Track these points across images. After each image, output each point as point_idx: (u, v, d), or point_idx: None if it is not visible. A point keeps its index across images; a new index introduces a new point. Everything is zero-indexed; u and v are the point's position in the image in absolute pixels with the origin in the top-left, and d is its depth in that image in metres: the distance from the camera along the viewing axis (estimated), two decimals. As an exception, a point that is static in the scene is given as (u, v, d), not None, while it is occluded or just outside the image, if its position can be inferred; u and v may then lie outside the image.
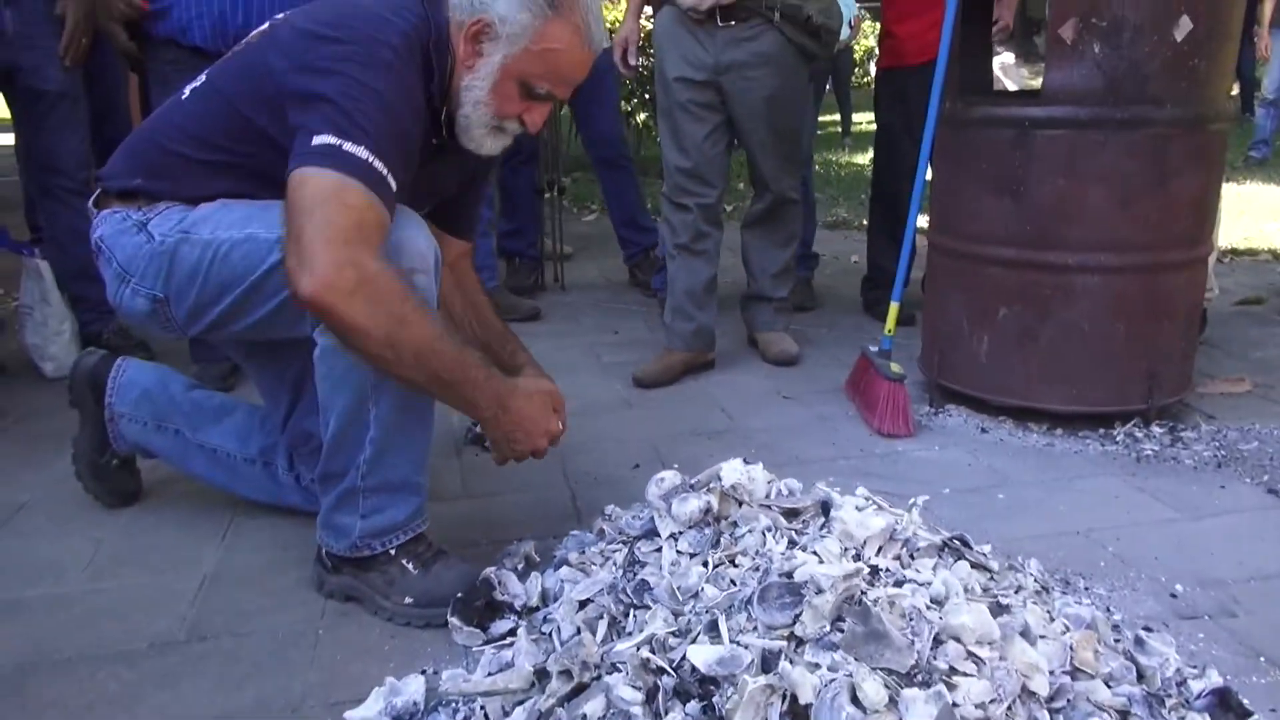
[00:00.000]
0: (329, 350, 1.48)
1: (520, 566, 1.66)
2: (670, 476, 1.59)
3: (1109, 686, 1.27)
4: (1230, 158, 7.78)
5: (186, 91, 1.62)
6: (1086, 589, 1.63)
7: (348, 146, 1.36)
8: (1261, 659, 1.44)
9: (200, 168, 1.57)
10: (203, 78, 1.62)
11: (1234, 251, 4.47)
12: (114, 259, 1.59)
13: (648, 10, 3.15)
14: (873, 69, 3.70)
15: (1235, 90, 10.94)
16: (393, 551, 1.60)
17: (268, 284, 1.50)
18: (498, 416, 1.51)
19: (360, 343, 1.37)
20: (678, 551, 1.48)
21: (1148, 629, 1.45)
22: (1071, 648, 1.28)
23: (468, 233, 1.92)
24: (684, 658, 1.22)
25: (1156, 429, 2.30)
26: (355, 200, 1.35)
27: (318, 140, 1.37)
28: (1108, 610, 1.54)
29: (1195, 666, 1.37)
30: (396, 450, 1.56)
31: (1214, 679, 1.32)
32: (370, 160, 1.37)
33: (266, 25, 1.60)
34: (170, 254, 1.54)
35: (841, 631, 1.18)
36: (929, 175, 2.54)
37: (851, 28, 3.94)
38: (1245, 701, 1.28)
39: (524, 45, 1.49)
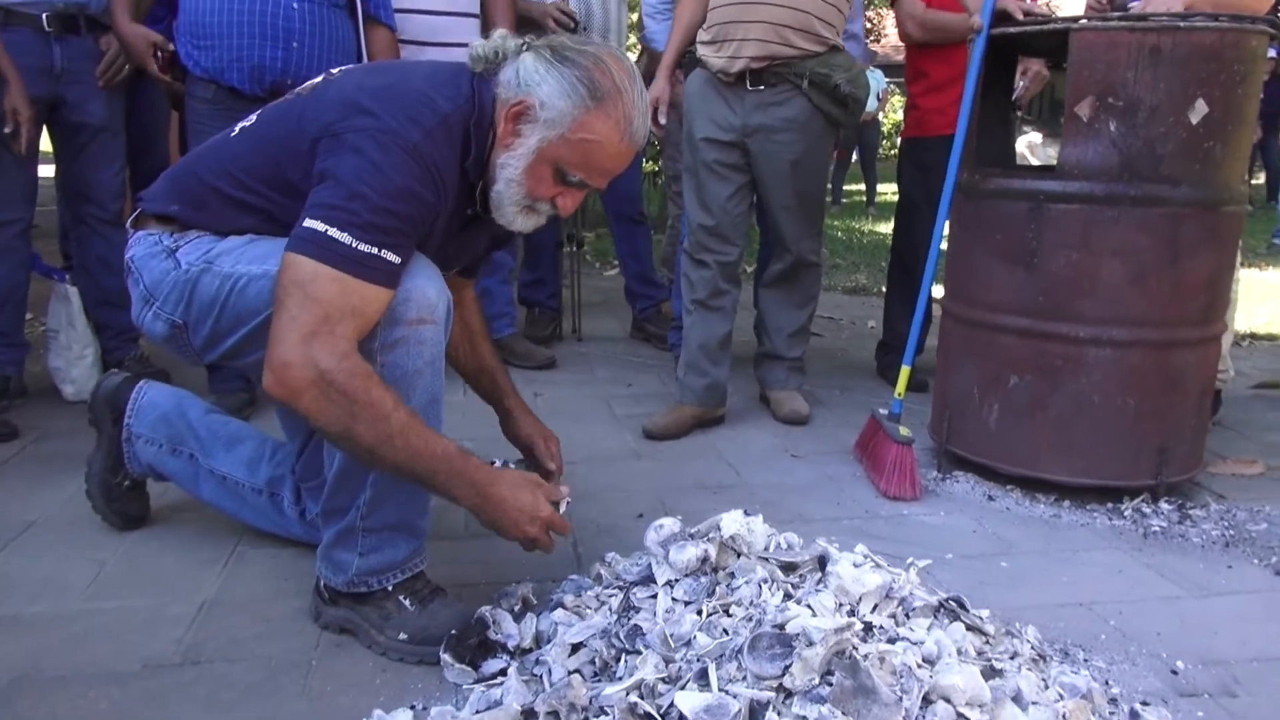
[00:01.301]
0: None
1: (517, 608, 1.66)
2: (669, 524, 1.60)
3: (1101, 758, 1.25)
4: (1254, 244, 7.77)
5: (237, 129, 1.66)
6: (1086, 660, 1.61)
7: (333, 232, 1.39)
8: (1261, 741, 1.42)
9: (232, 204, 1.61)
10: (254, 117, 1.65)
11: (1254, 336, 4.46)
12: (141, 280, 1.64)
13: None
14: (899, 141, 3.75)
15: (1261, 179, 11.02)
16: (391, 588, 1.61)
17: None
18: (480, 507, 1.51)
19: (320, 434, 1.43)
20: (673, 599, 1.48)
21: (1145, 703, 1.43)
22: (1065, 717, 1.27)
23: (476, 275, 1.99)
24: (671, 704, 1.21)
25: (1165, 505, 2.28)
26: (323, 292, 1.38)
27: (307, 224, 1.41)
28: (1106, 683, 1.52)
29: (1192, 744, 1.35)
30: (398, 493, 1.57)
31: (1210, 757, 1.30)
32: (354, 245, 1.39)
33: (321, 78, 1.63)
34: (193, 282, 1.58)
35: (830, 685, 1.18)
36: (944, 244, 2.57)
37: (880, 100, 4.01)
38: (1241, 782, 1.26)
39: (561, 132, 1.49)
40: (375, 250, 1.41)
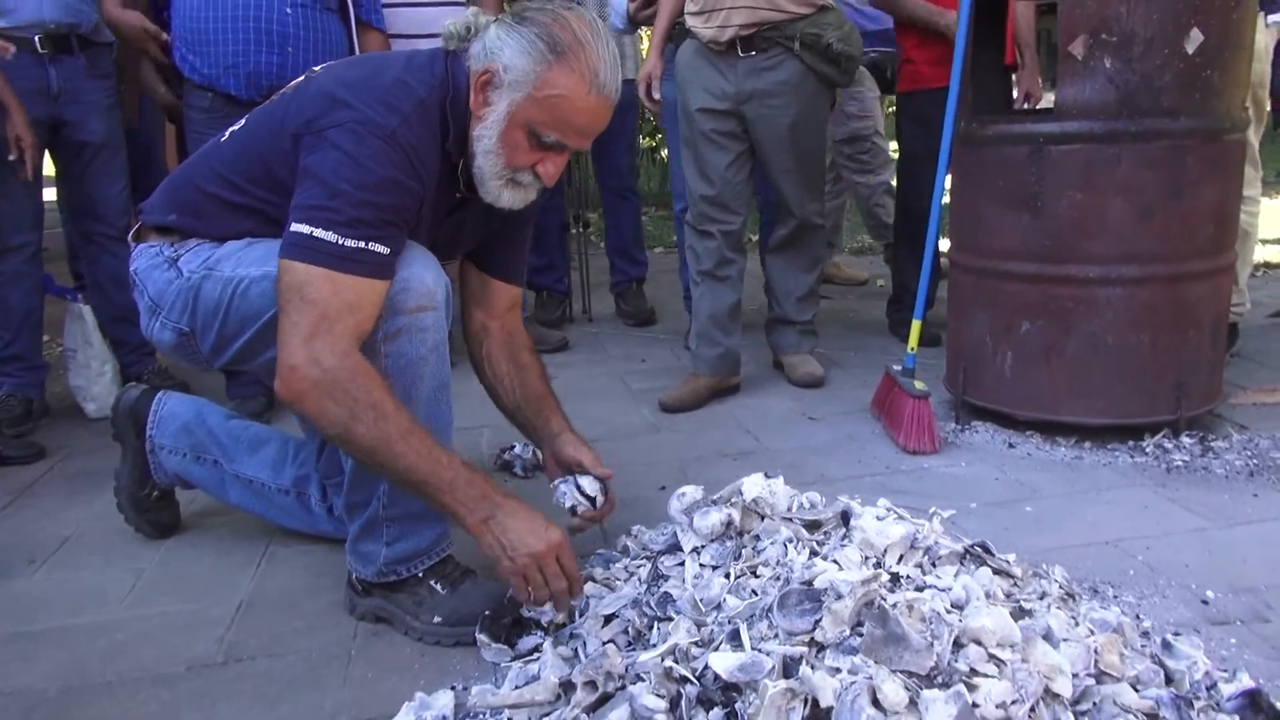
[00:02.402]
0: None
1: (547, 585, 1.67)
2: (691, 491, 1.61)
3: (1136, 689, 1.26)
4: (1265, 174, 7.68)
5: (226, 134, 1.68)
6: (1115, 597, 1.62)
7: (318, 233, 1.40)
8: (1295, 662, 1.43)
9: (228, 209, 1.62)
10: (242, 121, 1.68)
11: (1268, 265, 4.43)
12: (146, 292, 1.66)
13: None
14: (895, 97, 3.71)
15: (1269, 107, 10.85)
16: (420, 574, 1.63)
17: None
18: (481, 528, 1.44)
19: (324, 436, 1.43)
20: (700, 564, 1.49)
21: (1176, 634, 1.44)
22: (1096, 651, 1.27)
23: (516, 277, 1.88)
24: (706, 666, 1.23)
25: (1186, 439, 2.28)
26: (317, 293, 1.39)
27: (294, 228, 1.42)
28: (1136, 617, 1.53)
29: (1225, 670, 1.36)
30: None
31: (1245, 681, 1.30)
32: (340, 242, 1.40)
33: (304, 76, 1.65)
34: (195, 290, 1.60)
35: (861, 636, 1.19)
36: (947, 197, 2.56)
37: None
38: (1278, 704, 1.26)
39: (527, 92, 1.48)
40: (363, 244, 1.42)
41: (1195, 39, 2.12)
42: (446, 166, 1.58)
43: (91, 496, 2.27)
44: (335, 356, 1.39)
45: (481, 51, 1.52)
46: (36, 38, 2.64)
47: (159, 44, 2.69)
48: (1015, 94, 3.20)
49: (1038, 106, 3.17)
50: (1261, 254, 4.52)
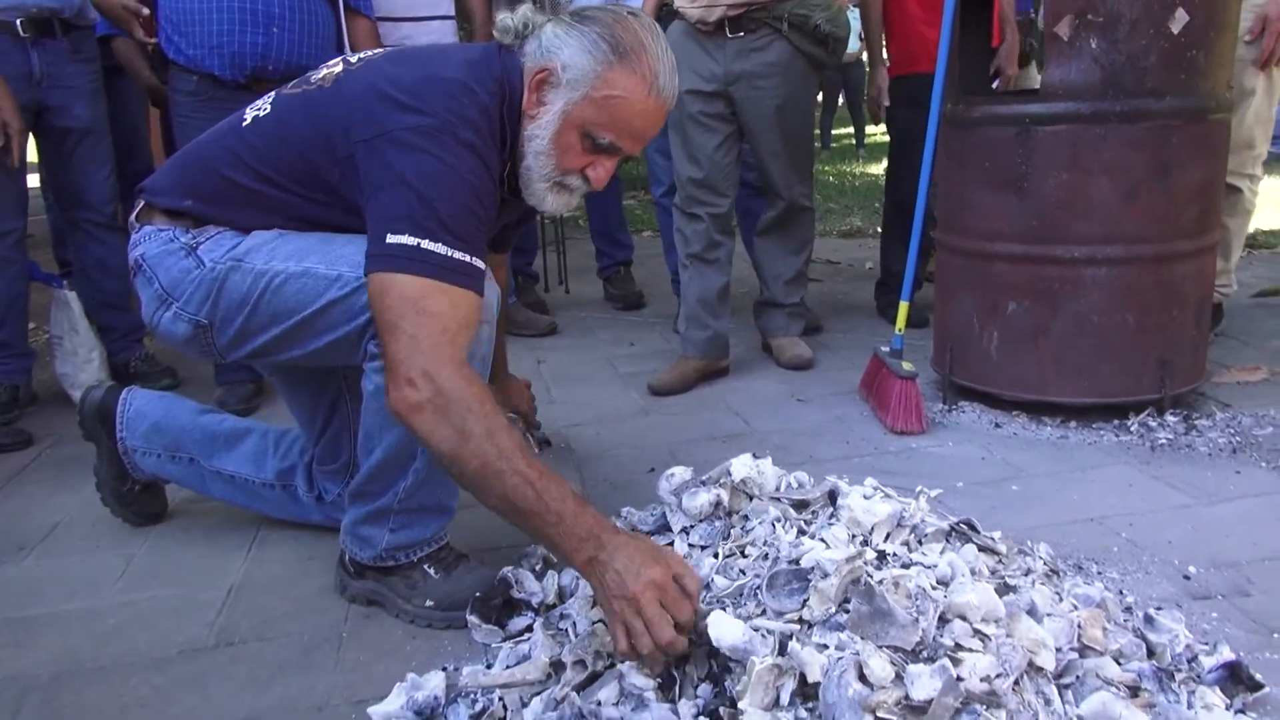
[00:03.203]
0: (384, 389, 1.40)
1: (538, 567, 1.68)
2: (680, 472, 1.62)
3: (1118, 663, 1.28)
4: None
5: (249, 118, 1.60)
6: (1099, 573, 1.64)
7: (426, 244, 1.35)
8: (1275, 635, 1.45)
9: (258, 199, 1.56)
10: (267, 107, 1.60)
11: (1253, 244, 4.45)
12: (156, 280, 1.60)
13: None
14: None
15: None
16: (416, 560, 1.64)
17: (320, 320, 1.51)
18: (592, 562, 1.26)
19: (432, 455, 1.37)
20: (689, 544, 1.50)
21: (1158, 608, 1.46)
22: (1079, 625, 1.29)
23: (503, 249, 1.97)
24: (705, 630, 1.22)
25: (1171, 418, 2.30)
26: (437, 306, 1.34)
27: (394, 239, 1.36)
28: (1120, 593, 1.55)
29: (1206, 643, 1.38)
30: (436, 480, 1.57)
31: (1225, 654, 1.32)
32: (449, 254, 1.36)
33: (339, 67, 1.57)
34: (220, 281, 1.55)
35: (848, 612, 1.20)
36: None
37: (861, 39, 3.97)
38: (1257, 675, 1.29)
39: (585, 92, 1.45)
40: (468, 258, 1.38)
41: (1180, 19, 2.13)
42: (501, 170, 1.54)
43: (80, 483, 2.26)
44: (455, 373, 1.32)
45: (538, 49, 1.49)
46: (18, 21, 2.62)
47: (143, 25, 2.67)
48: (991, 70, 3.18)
49: (1010, 86, 3.17)
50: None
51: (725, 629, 1.20)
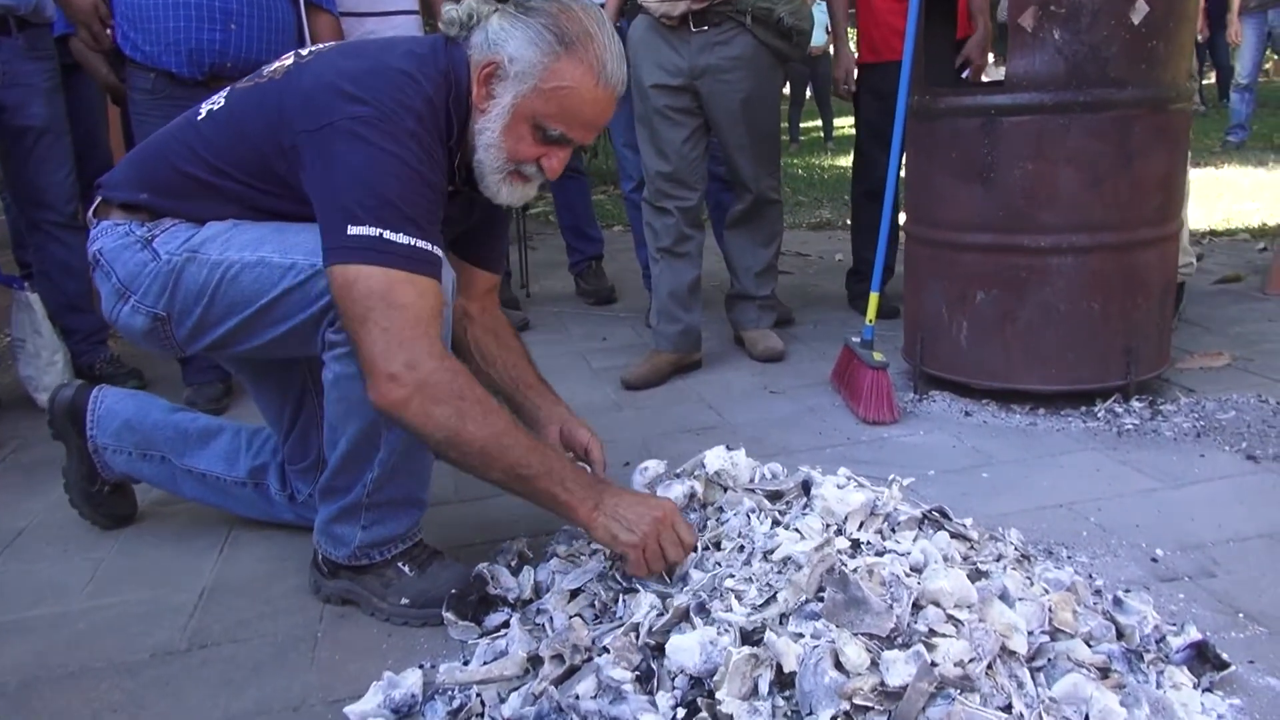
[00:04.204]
0: (343, 378, 1.47)
1: (513, 562, 1.68)
2: (654, 465, 1.62)
3: (1089, 645, 1.30)
4: (1209, 143, 7.79)
5: (203, 111, 1.60)
6: (1069, 557, 1.66)
7: (388, 235, 1.35)
8: (1240, 615, 1.48)
9: (210, 191, 1.56)
10: (221, 101, 1.60)
11: (1213, 232, 4.53)
12: (114, 273, 1.59)
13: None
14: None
15: (1213, 78, 11.06)
16: (390, 557, 1.63)
17: (277, 309, 1.51)
18: (593, 514, 1.40)
19: (429, 445, 1.39)
20: (664, 537, 1.50)
21: (1127, 591, 1.48)
22: (1050, 609, 1.31)
23: (494, 264, 1.87)
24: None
25: (1136, 404, 2.33)
26: (405, 296, 1.35)
27: (356, 230, 1.35)
28: (1089, 576, 1.57)
29: (1174, 624, 1.40)
30: (404, 472, 1.57)
31: (1192, 634, 1.34)
32: (412, 243, 1.36)
33: (290, 60, 1.58)
34: (176, 272, 1.54)
35: (823, 601, 1.21)
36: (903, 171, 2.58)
37: (827, 33, 4.00)
38: (1223, 654, 1.31)
39: (534, 84, 1.45)
40: (429, 245, 1.39)
41: (1141, 10, 2.15)
42: (448, 162, 1.53)
43: (46, 487, 2.23)
44: (434, 359, 1.34)
45: (484, 42, 1.49)
46: (-27, 20, 2.57)
47: (104, 24, 2.63)
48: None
49: (981, 77, 3.19)
50: (1208, 222, 4.63)
51: (684, 654, 1.20)
